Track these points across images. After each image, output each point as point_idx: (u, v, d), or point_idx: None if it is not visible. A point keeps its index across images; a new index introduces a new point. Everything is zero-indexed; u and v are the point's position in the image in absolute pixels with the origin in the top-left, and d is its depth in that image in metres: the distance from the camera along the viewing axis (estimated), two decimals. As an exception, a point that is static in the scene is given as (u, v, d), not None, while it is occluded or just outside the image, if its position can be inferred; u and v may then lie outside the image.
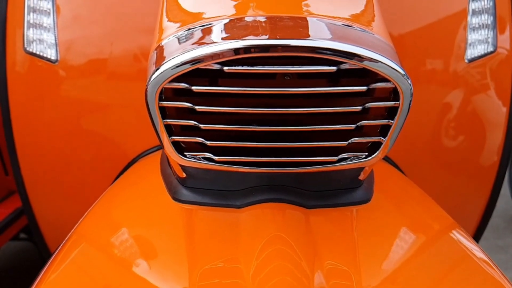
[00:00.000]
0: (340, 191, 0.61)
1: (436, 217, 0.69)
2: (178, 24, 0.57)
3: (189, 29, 0.55)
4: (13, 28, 1.03)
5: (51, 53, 1.01)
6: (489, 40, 1.05)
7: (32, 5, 1.02)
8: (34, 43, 1.02)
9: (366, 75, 0.53)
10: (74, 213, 1.12)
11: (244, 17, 0.54)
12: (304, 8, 0.56)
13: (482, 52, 1.04)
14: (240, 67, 0.50)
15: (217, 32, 0.53)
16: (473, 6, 1.05)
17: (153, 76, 0.52)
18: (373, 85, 0.52)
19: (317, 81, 0.53)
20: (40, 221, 1.15)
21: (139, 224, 0.65)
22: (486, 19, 1.06)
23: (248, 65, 0.51)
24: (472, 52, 1.04)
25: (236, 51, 0.49)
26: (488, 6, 1.06)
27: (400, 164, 1.02)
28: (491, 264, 0.58)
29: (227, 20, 0.54)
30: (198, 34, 0.53)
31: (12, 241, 1.62)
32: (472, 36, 1.05)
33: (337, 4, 0.58)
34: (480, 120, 1.09)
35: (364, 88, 0.52)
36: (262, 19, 0.53)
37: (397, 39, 1.03)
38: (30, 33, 1.02)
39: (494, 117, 1.09)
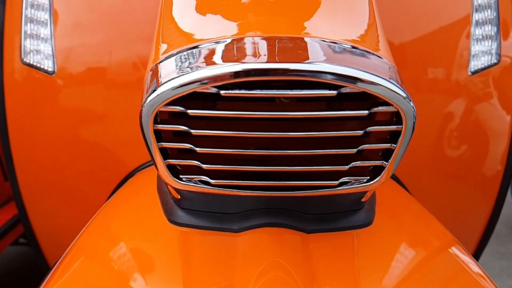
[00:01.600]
0: (341, 214, 0.59)
1: (439, 239, 0.68)
2: (174, 44, 0.55)
3: (186, 49, 0.53)
4: (11, 39, 1.02)
5: (48, 64, 1.00)
6: (493, 51, 1.04)
7: (29, 15, 1.01)
8: (31, 53, 1.01)
9: (367, 98, 0.52)
10: (70, 222, 1.11)
11: (242, 38, 0.52)
12: (303, 29, 0.55)
13: (486, 64, 1.03)
14: (237, 91, 0.49)
15: (215, 54, 0.52)
16: (476, 17, 1.04)
17: (149, 99, 0.50)
18: (375, 109, 0.51)
19: (317, 104, 0.52)
20: (36, 230, 1.15)
21: (136, 246, 0.64)
22: (490, 30, 1.04)
23: (246, 89, 0.49)
24: (476, 64, 1.02)
25: (234, 74, 0.48)
26: (492, 17, 1.04)
27: (402, 175, 1.01)
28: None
29: (225, 42, 0.53)
30: (195, 55, 0.52)
31: (12, 246, 1.62)
32: (475, 48, 1.03)
33: (337, 24, 0.56)
34: (483, 130, 1.07)
35: (365, 112, 0.51)
36: (260, 40, 0.52)
37: (398, 49, 1.02)
38: (27, 44, 1.01)
39: (497, 126, 1.08)
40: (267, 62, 0.48)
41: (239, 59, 0.49)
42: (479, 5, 1.04)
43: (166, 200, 0.64)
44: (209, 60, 0.50)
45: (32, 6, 1.01)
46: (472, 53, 1.03)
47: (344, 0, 0.59)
